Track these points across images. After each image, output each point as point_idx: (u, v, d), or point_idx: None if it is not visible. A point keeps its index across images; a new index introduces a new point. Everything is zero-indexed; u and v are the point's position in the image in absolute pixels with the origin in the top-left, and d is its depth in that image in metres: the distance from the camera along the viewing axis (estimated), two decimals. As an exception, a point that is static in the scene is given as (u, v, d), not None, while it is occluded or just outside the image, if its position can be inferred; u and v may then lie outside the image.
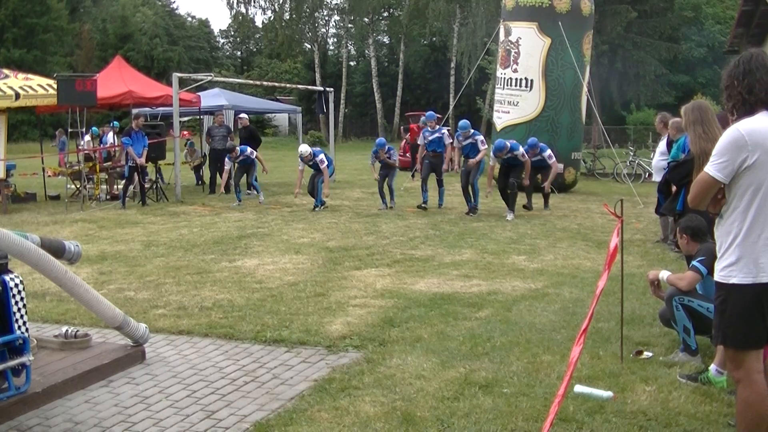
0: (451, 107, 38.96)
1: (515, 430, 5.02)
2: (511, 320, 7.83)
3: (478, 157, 16.37)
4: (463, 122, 17.15)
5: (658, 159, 13.13)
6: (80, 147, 20.30)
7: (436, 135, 17.35)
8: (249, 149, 18.92)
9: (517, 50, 21.42)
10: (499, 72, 22.45)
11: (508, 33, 21.81)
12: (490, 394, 5.67)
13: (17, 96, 17.74)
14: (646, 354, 6.57)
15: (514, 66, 21.54)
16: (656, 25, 52.90)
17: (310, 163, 17.25)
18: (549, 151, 17.22)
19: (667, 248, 12.07)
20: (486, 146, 16.63)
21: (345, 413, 5.37)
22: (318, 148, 17.83)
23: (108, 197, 20.33)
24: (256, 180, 19.12)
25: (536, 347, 6.81)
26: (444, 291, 9.25)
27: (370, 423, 5.18)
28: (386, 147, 17.54)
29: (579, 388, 5.66)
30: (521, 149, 16.02)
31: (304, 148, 17.29)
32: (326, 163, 17.30)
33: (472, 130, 16.77)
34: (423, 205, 17.19)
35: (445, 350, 6.75)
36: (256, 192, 19.27)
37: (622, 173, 24.55)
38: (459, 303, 8.62)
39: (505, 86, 21.82)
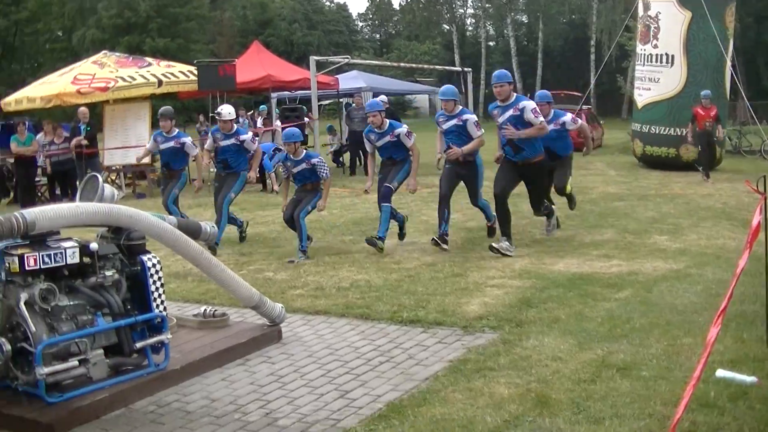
0: (591, 85, 38.06)
1: (653, 415, 4.80)
2: (651, 301, 7.52)
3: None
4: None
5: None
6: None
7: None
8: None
9: (656, 25, 20.67)
10: (639, 48, 21.75)
11: (646, 8, 21.09)
12: (628, 377, 5.46)
13: (160, 83, 18.34)
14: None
15: (654, 42, 20.80)
16: (808, -6, 50.34)
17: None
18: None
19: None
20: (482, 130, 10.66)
21: (479, 394, 5.25)
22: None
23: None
24: None
25: (677, 329, 6.51)
26: (583, 271, 8.99)
27: (504, 405, 5.04)
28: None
29: (721, 373, 5.37)
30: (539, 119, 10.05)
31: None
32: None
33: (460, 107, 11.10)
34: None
35: (582, 331, 6.54)
36: None
37: (771, 150, 23.43)
38: (598, 283, 8.35)
39: (646, 62, 21.10)
